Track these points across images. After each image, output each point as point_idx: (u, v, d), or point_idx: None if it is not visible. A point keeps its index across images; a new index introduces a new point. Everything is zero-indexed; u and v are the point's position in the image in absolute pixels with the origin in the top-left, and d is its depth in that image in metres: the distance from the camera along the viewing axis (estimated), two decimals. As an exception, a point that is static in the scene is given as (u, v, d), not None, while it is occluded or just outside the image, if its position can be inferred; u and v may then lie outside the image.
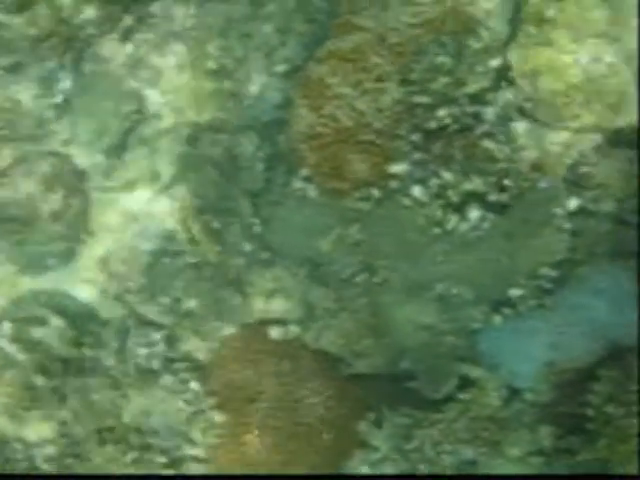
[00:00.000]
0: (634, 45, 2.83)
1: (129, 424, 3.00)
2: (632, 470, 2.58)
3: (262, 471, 2.96)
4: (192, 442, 3.00)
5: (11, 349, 3.09)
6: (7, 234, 3.20)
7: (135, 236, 3.24)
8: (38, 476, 3.04)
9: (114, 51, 3.25)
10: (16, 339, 3.09)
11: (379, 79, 2.77)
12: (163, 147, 3.26)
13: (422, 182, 2.86)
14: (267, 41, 3.13)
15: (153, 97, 3.25)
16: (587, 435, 2.73)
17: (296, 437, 2.98)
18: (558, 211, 2.93)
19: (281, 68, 3.12)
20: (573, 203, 2.95)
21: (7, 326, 3.09)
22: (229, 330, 3.16)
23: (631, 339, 2.83)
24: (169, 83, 3.22)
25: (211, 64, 3.15)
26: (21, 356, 3.09)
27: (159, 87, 3.24)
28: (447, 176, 2.84)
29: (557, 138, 2.97)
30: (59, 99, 3.23)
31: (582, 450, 2.76)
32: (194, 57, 3.17)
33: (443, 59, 2.78)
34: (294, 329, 3.11)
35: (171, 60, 3.21)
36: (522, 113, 2.91)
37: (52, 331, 3.06)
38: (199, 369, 3.12)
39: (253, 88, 3.15)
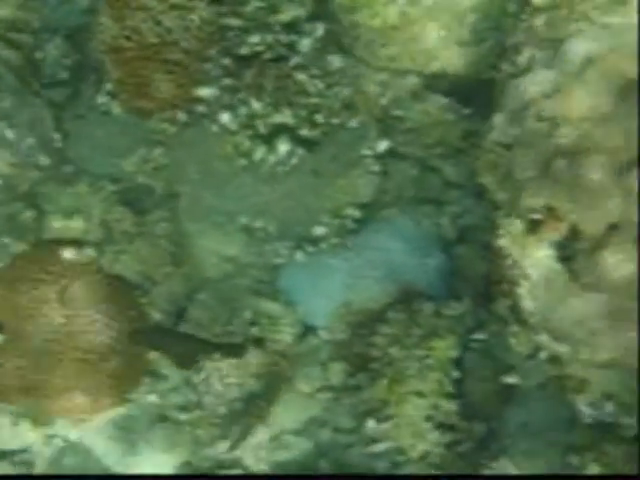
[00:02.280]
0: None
1: None
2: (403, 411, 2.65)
3: (40, 396, 2.84)
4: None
5: None
6: None
7: None
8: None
9: None
10: None
11: (188, -6, 2.61)
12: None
13: (231, 109, 2.75)
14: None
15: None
16: (371, 374, 2.78)
17: (80, 362, 2.87)
18: (367, 152, 2.91)
19: (89, -33, 2.88)
20: (383, 145, 2.93)
21: None
22: (19, 247, 2.96)
23: (422, 284, 2.89)
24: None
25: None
26: None
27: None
28: (257, 106, 2.74)
29: (373, 78, 2.92)
30: None
31: (366, 388, 2.81)
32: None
33: (257, -19, 2.65)
34: (90, 251, 2.96)
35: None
36: (339, 48, 2.84)
37: None
38: (-20, 288, 2.93)
39: (55, -9, 2.90)
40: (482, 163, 2.33)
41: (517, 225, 2.19)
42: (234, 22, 2.65)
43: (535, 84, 2.29)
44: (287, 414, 2.98)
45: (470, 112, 2.94)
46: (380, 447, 2.75)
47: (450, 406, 2.63)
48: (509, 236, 2.20)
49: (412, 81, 2.95)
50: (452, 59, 2.89)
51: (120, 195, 2.97)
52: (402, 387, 2.66)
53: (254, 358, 2.89)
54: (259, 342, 2.90)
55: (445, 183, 3.03)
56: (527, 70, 2.37)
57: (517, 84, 2.34)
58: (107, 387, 2.91)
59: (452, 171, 3.01)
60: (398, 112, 2.96)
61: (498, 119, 2.33)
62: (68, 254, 2.95)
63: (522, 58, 2.42)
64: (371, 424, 2.74)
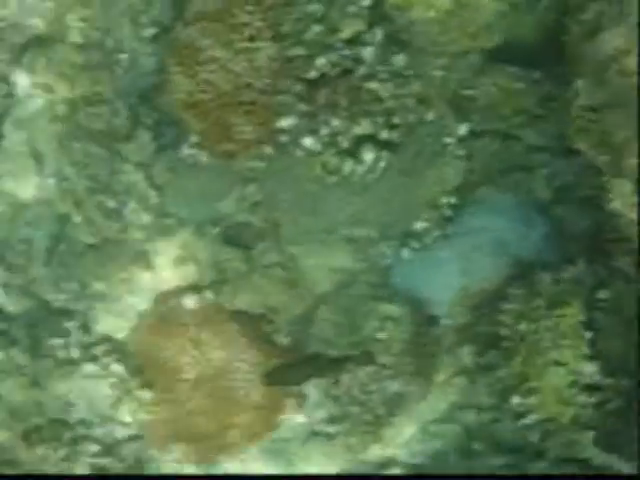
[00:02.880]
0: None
1: (54, 419, 2.96)
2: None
3: (198, 439, 2.99)
4: (123, 424, 2.99)
5: None
6: None
7: (27, 224, 3.12)
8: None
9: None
10: None
11: (251, 38, 2.68)
12: (41, 128, 3.10)
13: (312, 132, 2.83)
14: (132, 5, 2.97)
15: (20, 78, 3.07)
16: (504, 352, 2.83)
17: (227, 400, 3.00)
18: (449, 139, 2.94)
19: (150, 32, 2.98)
20: (463, 129, 2.96)
21: None
22: (143, 305, 3.11)
23: (532, 254, 2.92)
24: (34, 61, 3.04)
25: (75, 37, 2.98)
26: None
27: (24, 66, 3.05)
28: (336, 123, 2.81)
29: (437, 65, 2.95)
30: None
31: (501, 366, 2.86)
32: (55, 31, 2.99)
33: (313, 7, 2.70)
34: (208, 294, 3.08)
35: (32, 37, 3.02)
36: (400, 47, 2.87)
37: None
38: (119, 350, 3.09)
39: (124, 56, 3.01)
40: (573, 129, 2.35)
41: (626, 186, 2.20)
42: (298, 51, 2.72)
43: (610, 42, 2.29)
44: (428, 405, 3.06)
45: (540, 76, 2.94)
46: (529, 419, 2.80)
47: (591, 368, 2.67)
48: (620, 198, 2.21)
49: (475, 59, 2.96)
50: (511, 28, 2.89)
51: (223, 236, 3.08)
52: (539, 359, 2.71)
53: (386, 361, 2.97)
54: (388, 345, 2.98)
55: (529, 149, 3.04)
56: (597, 28, 2.37)
57: (592, 45, 2.34)
58: (256, 417, 3.03)
59: (534, 136, 3.02)
60: (469, 92, 2.98)
61: (581, 84, 2.34)
62: (189, 301, 3.08)
63: (588, 15, 2.42)
64: (516, 399, 2.79)
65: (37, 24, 3.01)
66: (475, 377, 3.00)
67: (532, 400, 2.73)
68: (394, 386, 2.98)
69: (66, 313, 3.12)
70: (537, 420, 2.78)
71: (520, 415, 2.83)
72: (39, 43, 3.03)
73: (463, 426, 3.03)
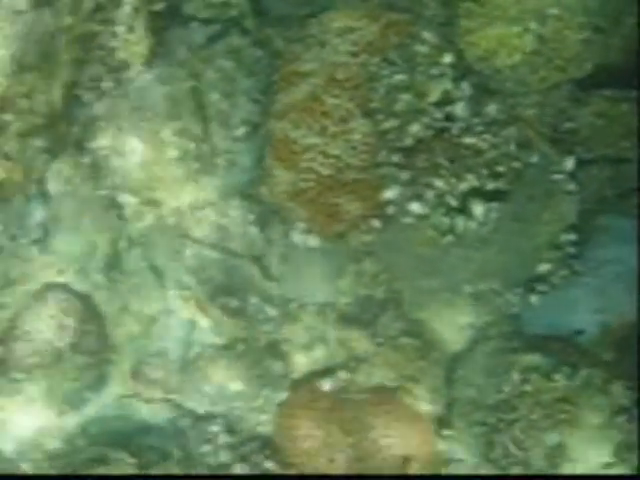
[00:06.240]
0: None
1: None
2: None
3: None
4: (286, 522, 2.98)
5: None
6: (36, 381, 3.15)
7: (158, 337, 3.19)
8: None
9: (72, 170, 3.18)
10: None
11: (343, 119, 2.70)
12: (155, 243, 3.19)
13: (417, 197, 2.80)
14: (219, 110, 3.05)
15: (127, 199, 3.18)
16: (662, 385, 2.69)
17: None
18: (558, 176, 2.88)
19: (241, 131, 3.04)
20: (569, 163, 2.89)
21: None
22: (281, 396, 3.11)
23: (672, 277, 2.79)
24: (138, 181, 3.15)
25: (172, 151, 3.07)
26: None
27: (129, 188, 3.17)
28: (439, 184, 2.78)
29: (530, 104, 2.90)
30: (37, 234, 3.16)
31: (662, 399, 2.72)
32: (153, 149, 3.10)
33: (398, 77, 2.71)
34: (342, 374, 3.06)
35: (133, 159, 3.13)
36: (490, 95, 2.84)
37: (115, 467, 3.01)
38: (267, 446, 3.09)
39: (221, 160, 3.08)
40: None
41: None
42: (391, 123, 2.72)
43: None
44: (592, 451, 2.92)
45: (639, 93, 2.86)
46: None
47: None
48: None
49: (568, 91, 2.91)
50: (599, 53, 2.83)
51: (345, 314, 3.07)
52: None
53: (534, 414, 2.87)
54: (537, 397, 2.87)
55: (642, 169, 2.94)
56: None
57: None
58: None
59: (645, 155, 2.92)
60: (569, 125, 2.92)
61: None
62: (326, 385, 3.06)
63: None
64: (686, 433, 2.64)
65: (136, 148, 3.12)
66: (635, 413, 2.85)
67: None
68: (552, 438, 2.87)
69: (210, 418, 3.15)
70: None
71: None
72: (141, 164, 3.13)
73: (633, 468, 2.87)
